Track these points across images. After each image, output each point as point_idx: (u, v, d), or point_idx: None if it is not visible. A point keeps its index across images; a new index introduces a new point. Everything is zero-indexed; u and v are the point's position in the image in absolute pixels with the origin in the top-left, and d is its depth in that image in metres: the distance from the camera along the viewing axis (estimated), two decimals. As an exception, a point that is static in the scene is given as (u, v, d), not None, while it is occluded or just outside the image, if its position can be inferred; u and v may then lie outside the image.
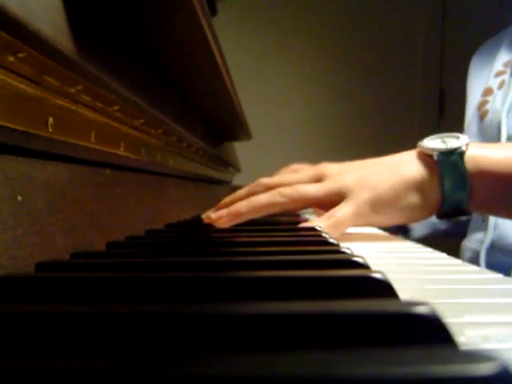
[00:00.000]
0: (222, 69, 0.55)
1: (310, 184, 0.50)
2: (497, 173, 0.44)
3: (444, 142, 0.46)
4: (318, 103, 2.03)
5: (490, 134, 0.79)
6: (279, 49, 2.00)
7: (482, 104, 0.83)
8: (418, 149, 0.48)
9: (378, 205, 0.46)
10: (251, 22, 1.98)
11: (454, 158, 0.44)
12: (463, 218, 0.47)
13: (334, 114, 2.03)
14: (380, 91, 2.00)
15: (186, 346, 0.13)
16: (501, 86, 0.80)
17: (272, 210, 0.49)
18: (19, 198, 0.25)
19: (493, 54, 0.87)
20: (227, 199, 0.53)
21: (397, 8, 1.99)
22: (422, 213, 0.47)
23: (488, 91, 0.83)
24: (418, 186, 0.46)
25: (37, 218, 0.26)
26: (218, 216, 0.48)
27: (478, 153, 0.45)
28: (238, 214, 0.48)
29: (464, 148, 0.45)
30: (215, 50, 0.48)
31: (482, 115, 0.82)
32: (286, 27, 2.00)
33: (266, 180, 0.53)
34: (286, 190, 0.49)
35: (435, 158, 0.45)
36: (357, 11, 1.99)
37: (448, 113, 1.96)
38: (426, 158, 0.47)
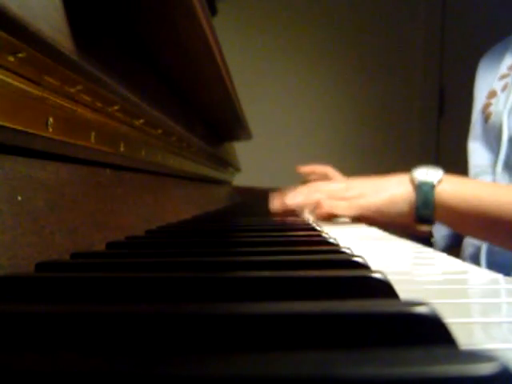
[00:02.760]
0: (222, 69, 0.55)
1: (344, 193, 0.71)
2: (454, 207, 0.63)
3: (427, 173, 0.65)
4: (317, 103, 2.03)
5: (494, 136, 0.80)
6: (279, 49, 2.00)
7: (486, 106, 0.84)
8: (410, 175, 0.67)
9: (381, 208, 0.66)
10: (251, 22, 1.98)
11: (426, 187, 0.64)
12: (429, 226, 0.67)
13: (333, 113, 2.03)
14: (380, 91, 2.00)
15: (186, 346, 0.13)
16: (504, 88, 0.82)
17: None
18: (19, 198, 0.25)
19: (499, 57, 0.88)
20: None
21: (397, 8, 1.99)
22: (405, 218, 0.67)
23: (492, 94, 0.84)
24: (405, 201, 0.66)
25: (37, 218, 0.26)
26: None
27: (445, 188, 0.63)
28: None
29: (435, 182, 0.64)
30: (215, 50, 0.48)
31: (486, 117, 0.83)
32: (285, 27, 2.00)
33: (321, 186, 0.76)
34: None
35: (416, 183, 0.65)
36: (357, 12, 1.99)
37: (448, 113, 1.96)
38: (412, 182, 0.66)
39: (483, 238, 0.72)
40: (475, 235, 0.71)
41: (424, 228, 0.67)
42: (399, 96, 2.01)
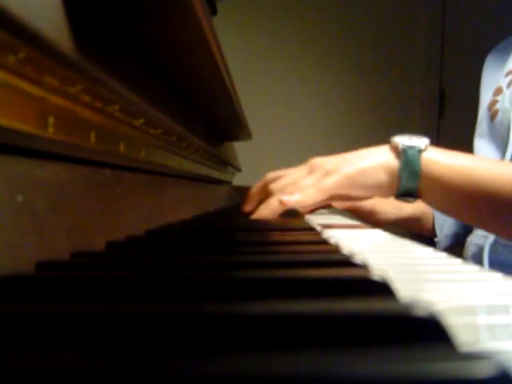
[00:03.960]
0: (222, 69, 0.55)
1: (305, 177, 0.63)
2: (443, 179, 0.55)
3: (410, 139, 0.57)
4: (317, 103, 2.02)
5: (501, 134, 0.79)
6: (279, 48, 2.00)
7: (493, 104, 0.82)
8: (390, 143, 0.60)
9: (354, 178, 0.59)
10: (251, 21, 1.98)
11: (412, 152, 0.55)
12: (412, 199, 0.59)
13: (333, 113, 2.03)
14: (380, 91, 2.00)
15: (187, 346, 0.13)
16: (510, 84, 0.80)
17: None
18: (19, 197, 0.25)
19: (506, 54, 0.87)
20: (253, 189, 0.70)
21: (397, 8, 1.99)
22: (385, 190, 0.59)
23: (498, 91, 0.83)
24: (385, 170, 0.58)
25: (37, 218, 0.26)
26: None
27: (433, 157, 0.56)
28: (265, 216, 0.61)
29: (422, 147, 0.56)
30: (215, 49, 0.48)
31: (492, 115, 0.82)
32: (285, 27, 1.99)
33: (274, 185, 0.66)
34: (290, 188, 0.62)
35: (399, 149, 0.57)
36: (357, 11, 1.99)
37: (448, 113, 1.96)
38: (394, 149, 0.58)
39: (475, 220, 0.62)
40: (467, 215, 0.61)
41: (404, 202, 0.59)
42: (399, 96, 2.01)
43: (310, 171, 0.63)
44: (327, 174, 0.60)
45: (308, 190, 0.60)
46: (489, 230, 0.65)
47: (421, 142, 0.57)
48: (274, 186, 0.64)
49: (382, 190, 0.59)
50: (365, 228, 0.62)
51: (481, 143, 0.86)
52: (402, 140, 0.58)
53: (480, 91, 0.93)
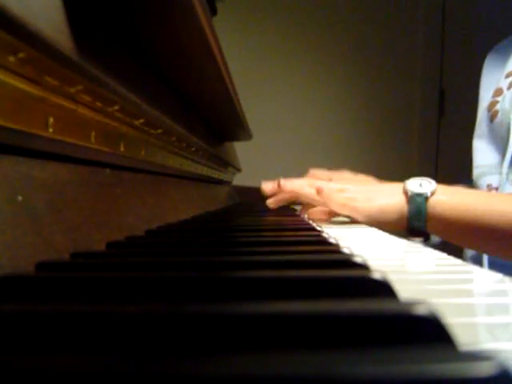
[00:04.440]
0: (222, 69, 0.55)
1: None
2: (447, 217, 0.62)
3: (420, 185, 0.64)
4: (317, 103, 2.03)
5: (500, 135, 0.79)
6: (279, 49, 2.00)
7: (493, 105, 0.82)
8: (404, 186, 0.66)
9: (372, 215, 0.66)
10: (251, 21, 1.98)
11: (419, 199, 0.63)
12: (422, 238, 0.65)
13: (333, 113, 2.03)
14: (380, 91, 2.00)
15: (187, 346, 0.13)
16: (510, 86, 0.80)
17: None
18: (19, 197, 0.25)
19: (506, 53, 0.86)
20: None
21: (397, 8, 1.99)
22: (395, 227, 0.66)
23: (498, 92, 0.82)
24: (397, 212, 0.66)
25: (37, 218, 0.26)
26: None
27: (439, 199, 0.63)
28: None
29: (428, 194, 0.63)
30: (215, 50, 0.48)
31: (492, 116, 0.81)
32: (286, 27, 2.00)
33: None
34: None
35: (409, 195, 0.64)
36: (357, 11, 1.99)
37: (448, 113, 1.96)
38: (405, 194, 0.65)
39: (477, 248, 0.72)
40: (469, 245, 0.71)
41: (416, 239, 0.66)
42: (399, 96, 2.01)
43: (341, 190, 0.69)
44: (352, 200, 0.67)
45: (337, 197, 0.67)
46: (493, 254, 0.72)
47: (428, 187, 0.64)
48: (318, 182, 0.71)
49: (394, 227, 0.66)
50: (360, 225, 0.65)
51: (480, 144, 0.85)
52: (412, 186, 0.65)
53: (479, 91, 0.92)
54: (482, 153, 0.84)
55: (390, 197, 0.67)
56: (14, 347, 0.14)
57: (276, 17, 1.99)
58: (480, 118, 0.87)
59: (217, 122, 0.87)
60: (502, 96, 0.80)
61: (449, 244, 0.84)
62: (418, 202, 0.63)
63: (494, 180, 0.80)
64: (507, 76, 0.82)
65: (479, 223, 0.61)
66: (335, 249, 0.29)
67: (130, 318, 0.14)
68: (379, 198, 0.67)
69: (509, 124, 0.76)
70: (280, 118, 1.99)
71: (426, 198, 0.63)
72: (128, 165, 0.43)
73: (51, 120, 0.27)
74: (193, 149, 0.68)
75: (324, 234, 0.38)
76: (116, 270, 0.24)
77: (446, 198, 0.63)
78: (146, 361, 0.10)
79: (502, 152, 0.79)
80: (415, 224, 0.64)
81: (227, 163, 1.06)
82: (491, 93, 0.84)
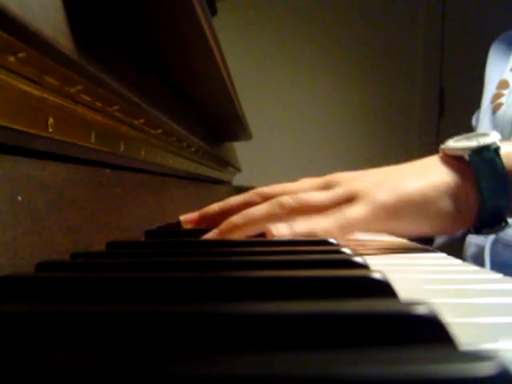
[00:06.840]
0: (222, 69, 0.55)
1: (316, 191, 0.42)
2: None
3: (473, 140, 0.39)
4: (317, 103, 2.02)
5: (502, 128, 0.77)
6: (279, 49, 2.00)
7: (496, 97, 0.80)
8: (442, 152, 0.42)
9: (400, 208, 0.38)
10: (251, 21, 1.98)
11: (489, 155, 0.37)
12: (501, 230, 0.40)
13: (333, 113, 2.03)
14: (380, 91, 2.00)
15: (187, 347, 0.13)
16: None
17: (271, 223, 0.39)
18: (19, 198, 0.25)
19: (511, 45, 0.85)
20: (216, 206, 0.45)
21: (397, 8, 1.99)
22: (455, 223, 0.40)
23: (503, 84, 0.80)
24: (451, 192, 0.38)
25: (37, 218, 0.26)
26: (211, 234, 0.40)
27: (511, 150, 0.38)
28: (232, 229, 0.39)
29: (499, 143, 0.38)
30: (215, 50, 0.48)
31: (495, 108, 0.80)
32: (285, 27, 1.99)
33: (265, 189, 0.44)
34: (287, 200, 0.40)
35: (467, 158, 0.38)
36: (357, 11, 1.99)
37: (448, 113, 1.96)
38: (454, 161, 0.40)
39: None
40: None
41: (486, 232, 0.40)
42: (399, 96, 2.01)
43: (326, 187, 0.42)
44: (353, 198, 0.39)
45: (322, 221, 0.38)
46: None
47: (491, 137, 0.38)
48: (287, 201, 0.40)
49: (445, 223, 0.39)
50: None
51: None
52: (464, 143, 0.39)
53: (484, 81, 0.90)
54: None
55: (427, 173, 0.40)
56: (14, 347, 0.14)
57: (276, 17, 1.99)
58: (483, 110, 0.85)
59: (217, 122, 0.87)
60: (509, 90, 0.78)
61: (449, 244, 0.83)
62: (488, 160, 0.37)
63: None
64: None
65: None
66: (335, 249, 0.29)
67: (129, 318, 0.14)
68: (408, 179, 0.40)
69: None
70: (280, 118, 1.99)
71: (497, 151, 0.38)
72: (128, 165, 0.43)
73: (51, 120, 0.27)
74: (193, 149, 0.68)
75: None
76: (116, 270, 0.24)
77: None
78: (146, 361, 0.10)
79: None
80: (494, 199, 0.37)
81: (227, 163, 1.06)
82: (495, 84, 0.83)
